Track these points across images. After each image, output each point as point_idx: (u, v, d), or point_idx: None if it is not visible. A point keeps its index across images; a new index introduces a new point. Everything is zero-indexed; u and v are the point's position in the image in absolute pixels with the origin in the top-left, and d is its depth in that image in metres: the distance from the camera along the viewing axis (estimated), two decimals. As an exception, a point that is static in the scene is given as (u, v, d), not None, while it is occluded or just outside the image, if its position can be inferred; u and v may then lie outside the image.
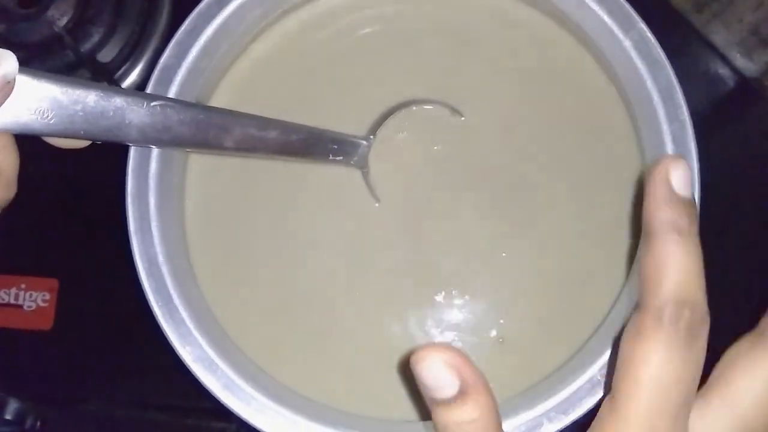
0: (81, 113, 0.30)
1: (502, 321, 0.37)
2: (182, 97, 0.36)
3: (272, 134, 0.35)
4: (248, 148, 0.34)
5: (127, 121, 0.31)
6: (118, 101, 0.31)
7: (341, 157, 0.37)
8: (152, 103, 0.32)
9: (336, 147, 0.37)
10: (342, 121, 0.39)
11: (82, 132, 0.30)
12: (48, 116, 0.29)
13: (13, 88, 0.28)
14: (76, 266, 0.46)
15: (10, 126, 0.29)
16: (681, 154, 0.24)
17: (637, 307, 0.24)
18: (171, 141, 0.33)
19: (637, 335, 0.23)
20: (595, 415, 0.25)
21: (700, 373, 0.24)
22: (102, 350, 0.46)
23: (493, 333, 0.37)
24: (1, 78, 0.28)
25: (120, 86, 0.47)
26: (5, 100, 0.28)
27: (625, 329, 0.24)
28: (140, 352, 0.45)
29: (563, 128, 0.38)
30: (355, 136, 0.37)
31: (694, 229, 0.24)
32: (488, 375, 0.36)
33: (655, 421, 0.23)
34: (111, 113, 0.30)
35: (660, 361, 0.23)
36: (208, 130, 0.33)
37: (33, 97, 0.29)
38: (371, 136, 0.38)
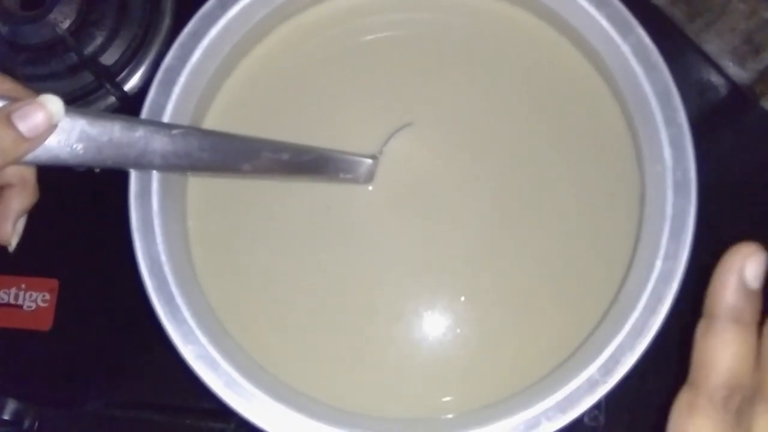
0: (108, 144, 0.31)
1: (501, 321, 0.38)
2: (185, 98, 0.37)
3: (285, 157, 0.36)
4: (263, 170, 0.36)
5: (150, 149, 0.33)
6: (142, 131, 0.32)
7: (350, 176, 0.38)
8: (173, 132, 0.33)
9: (345, 166, 0.38)
10: (345, 125, 0.39)
11: (109, 161, 0.32)
12: (77, 148, 0.31)
13: (56, 128, 0.30)
14: (77, 267, 0.46)
15: (43, 159, 0.30)
16: (759, 245, 0.25)
17: (690, 383, 0.25)
18: (192, 166, 0.34)
19: (690, 411, 0.25)
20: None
21: None
22: (101, 351, 0.46)
23: (492, 333, 0.37)
24: (48, 118, 0.29)
25: (124, 90, 0.47)
26: (47, 138, 0.30)
27: (677, 402, 0.25)
28: (139, 353, 0.45)
29: (560, 132, 0.39)
30: (363, 155, 0.38)
31: (756, 319, 0.25)
32: (486, 373, 0.37)
33: None
34: (136, 142, 0.32)
35: None
36: (226, 154, 0.35)
37: (63, 130, 0.30)
38: (378, 154, 0.38)
